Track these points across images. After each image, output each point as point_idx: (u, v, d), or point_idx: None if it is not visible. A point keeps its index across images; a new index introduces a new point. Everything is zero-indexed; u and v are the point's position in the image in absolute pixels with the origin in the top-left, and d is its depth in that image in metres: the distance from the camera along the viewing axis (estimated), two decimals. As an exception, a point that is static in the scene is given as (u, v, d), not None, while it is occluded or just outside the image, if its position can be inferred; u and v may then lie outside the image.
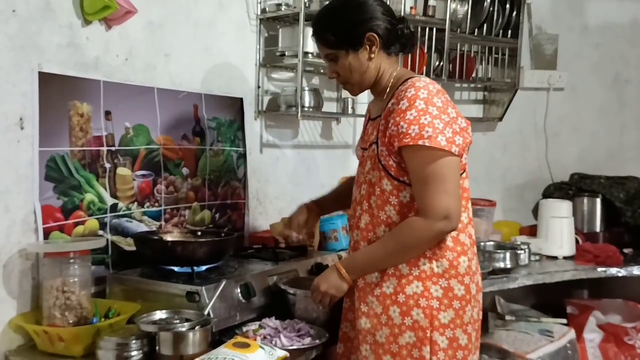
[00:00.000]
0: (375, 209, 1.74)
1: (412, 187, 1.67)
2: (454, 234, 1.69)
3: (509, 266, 2.77)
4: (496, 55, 3.26)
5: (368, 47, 1.75)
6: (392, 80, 1.79)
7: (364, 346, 1.74)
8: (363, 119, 2.01)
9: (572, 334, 2.94)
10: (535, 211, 3.33)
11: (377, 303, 1.72)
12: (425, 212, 1.63)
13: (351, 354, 1.86)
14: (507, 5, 3.18)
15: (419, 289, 1.68)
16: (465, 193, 1.75)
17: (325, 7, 1.89)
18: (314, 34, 1.84)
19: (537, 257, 3.03)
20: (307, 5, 2.53)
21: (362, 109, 2.54)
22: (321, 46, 1.83)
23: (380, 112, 1.77)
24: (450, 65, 3.13)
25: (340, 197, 2.15)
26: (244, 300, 1.91)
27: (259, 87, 2.69)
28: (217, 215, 2.49)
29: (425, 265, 1.68)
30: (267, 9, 2.63)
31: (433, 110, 1.62)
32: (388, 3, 2.61)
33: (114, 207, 2.08)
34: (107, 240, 2.03)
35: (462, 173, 1.72)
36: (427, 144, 1.59)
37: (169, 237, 2.13)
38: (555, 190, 3.42)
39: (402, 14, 2.73)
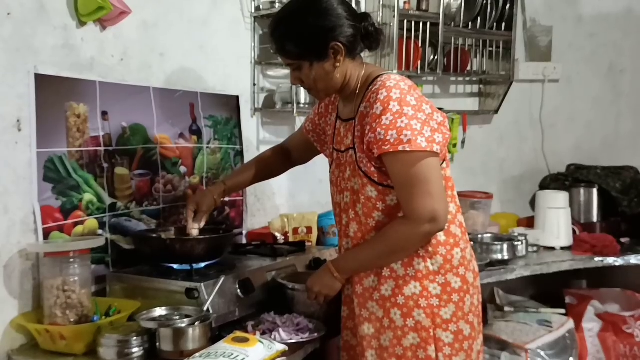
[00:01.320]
0: (363, 217, 1.73)
1: (396, 191, 1.65)
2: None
3: (506, 258, 2.79)
4: (491, 48, 3.26)
5: (333, 57, 1.67)
6: (360, 81, 1.73)
7: (369, 352, 1.73)
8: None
9: (570, 323, 2.95)
10: (533, 203, 3.34)
11: (377, 307, 1.72)
12: (411, 215, 1.61)
13: None
14: (501, -2, 3.19)
15: (417, 289, 1.68)
16: (449, 182, 1.73)
17: (283, 11, 1.75)
18: (273, 42, 1.72)
19: (535, 248, 3.03)
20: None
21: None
22: (282, 56, 1.72)
23: (352, 114, 1.74)
24: (445, 59, 3.13)
25: (250, 181, 2.14)
26: (242, 296, 1.92)
27: (254, 84, 2.70)
28: (215, 213, 2.51)
29: (420, 265, 1.68)
30: (261, 7, 2.64)
31: (409, 111, 1.58)
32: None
33: (112, 207, 2.09)
34: (107, 239, 2.04)
35: (442, 162, 1.69)
36: (407, 149, 1.56)
37: (167, 235, 2.14)
38: (551, 182, 3.43)
39: (397, 9, 2.74)
